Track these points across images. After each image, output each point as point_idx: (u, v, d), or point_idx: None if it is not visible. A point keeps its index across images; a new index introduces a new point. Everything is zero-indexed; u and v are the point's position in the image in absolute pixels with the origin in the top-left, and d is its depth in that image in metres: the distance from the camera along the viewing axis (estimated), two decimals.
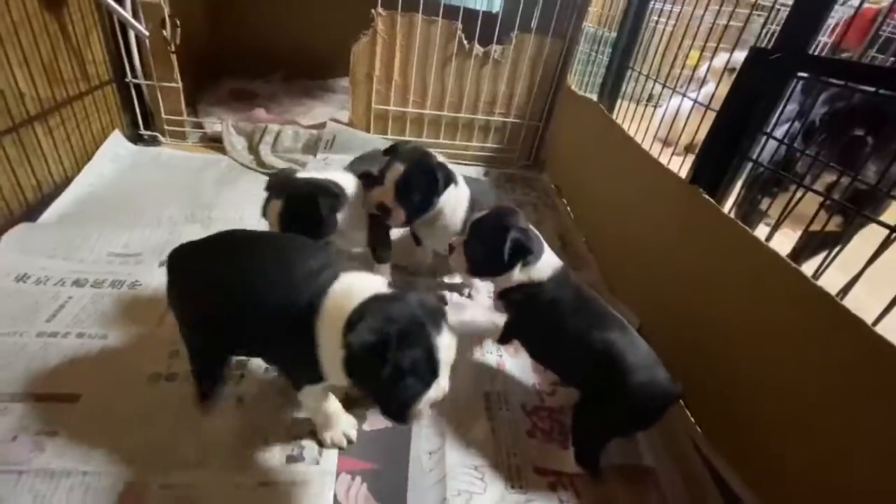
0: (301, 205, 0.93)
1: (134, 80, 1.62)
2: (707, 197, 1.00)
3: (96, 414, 0.80)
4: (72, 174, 1.40)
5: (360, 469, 0.80)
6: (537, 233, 0.93)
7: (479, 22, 1.78)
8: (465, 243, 0.91)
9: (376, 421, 0.87)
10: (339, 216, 1.01)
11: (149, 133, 1.73)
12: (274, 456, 0.79)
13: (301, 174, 1.04)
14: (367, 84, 1.84)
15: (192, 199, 1.46)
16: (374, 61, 1.79)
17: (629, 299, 1.28)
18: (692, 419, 0.97)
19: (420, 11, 1.72)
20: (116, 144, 1.59)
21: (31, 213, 1.23)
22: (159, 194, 1.45)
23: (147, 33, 1.47)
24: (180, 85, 1.67)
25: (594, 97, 1.76)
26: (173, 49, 1.58)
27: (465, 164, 2.07)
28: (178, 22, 1.56)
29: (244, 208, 1.45)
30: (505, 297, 0.92)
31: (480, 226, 0.90)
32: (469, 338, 1.11)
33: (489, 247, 0.86)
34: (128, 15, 1.40)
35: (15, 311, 0.97)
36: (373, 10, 1.69)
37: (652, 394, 0.77)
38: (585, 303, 0.88)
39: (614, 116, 1.59)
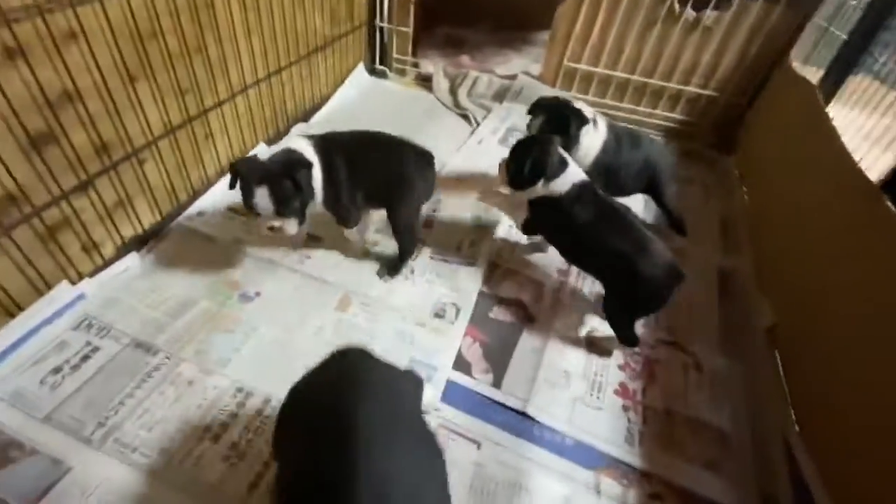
0: (282, 181, 0.93)
1: (381, 24, 2.06)
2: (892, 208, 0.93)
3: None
4: (330, 92, 1.91)
5: (479, 339, 1.09)
6: (565, 155, 1.09)
7: None
8: (506, 161, 1.14)
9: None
10: (315, 181, 1.01)
11: (380, 67, 2.19)
12: (427, 311, 1.13)
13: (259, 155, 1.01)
14: (564, 42, 1.96)
15: (401, 124, 1.85)
16: (576, 20, 1.89)
17: (776, 299, 1.25)
18: (794, 416, 1.00)
19: None
20: (359, 74, 2.08)
21: (307, 115, 1.77)
22: (380, 117, 1.89)
23: None
24: (411, 30, 2.05)
25: (817, 75, 1.57)
26: (413, 1, 1.94)
27: (644, 131, 2.06)
28: None
29: (439, 139, 1.79)
30: (530, 204, 1.13)
31: (515, 148, 1.12)
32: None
33: (517, 165, 1.08)
34: None
35: None
36: None
37: (658, 287, 0.99)
38: (607, 216, 1.04)
39: (843, 96, 1.42)
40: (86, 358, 0.93)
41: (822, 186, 1.27)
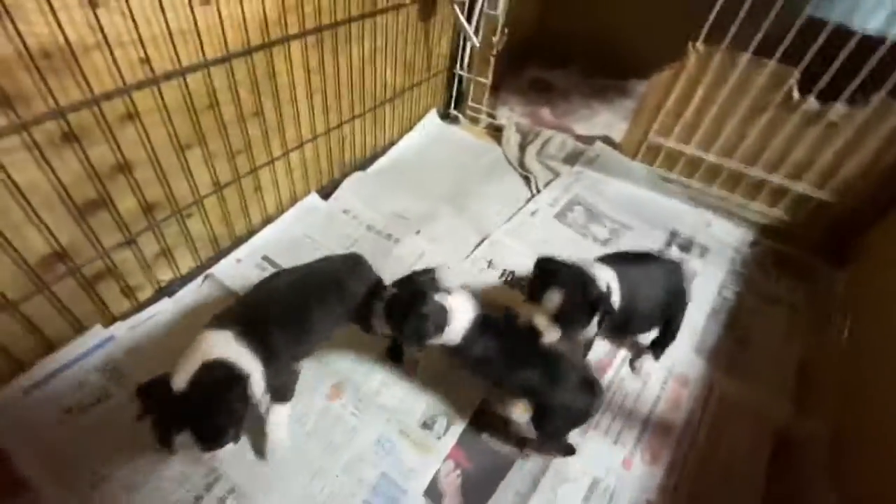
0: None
1: (459, 72, 2.01)
2: None
3: None
4: (396, 139, 1.92)
5: (463, 465, 1.01)
6: (449, 304, 0.92)
7: (833, 68, 1.42)
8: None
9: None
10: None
11: (454, 113, 2.15)
12: (415, 417, 1.08)
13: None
14: (653, 113, 1.76)
15: (458, 179, 1.81)
16: (670, 93, 1.68)
17: (850, 493, 1.01)
18: None
19: (750, 49, 1.49)
20: (431, 119, 2.06)
21: (365, 164, 1.79)
22: (439, 169, 1.85)
23: (478, 44, 1.79)
24: (489, 81, 1.98)
25: None
26: (494, 53, 1.87)
27: (732, 224, 1.79)
28: (506, 31, 1.83)
29: (488, 201, 1.71)
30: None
31: (394, 306, 0.94)
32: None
33: (396, 325, 0.94)
34: (470, 30, 1.73)
35: (334, 232, 1.51)
36: (690, 44, 1.56)
37: (576, 413, 0.97)
38: (510, 349, 0.96)
39: None
40: (97, 402, 1.02)
41: None
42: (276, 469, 0.95)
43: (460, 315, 0.94)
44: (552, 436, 1.01)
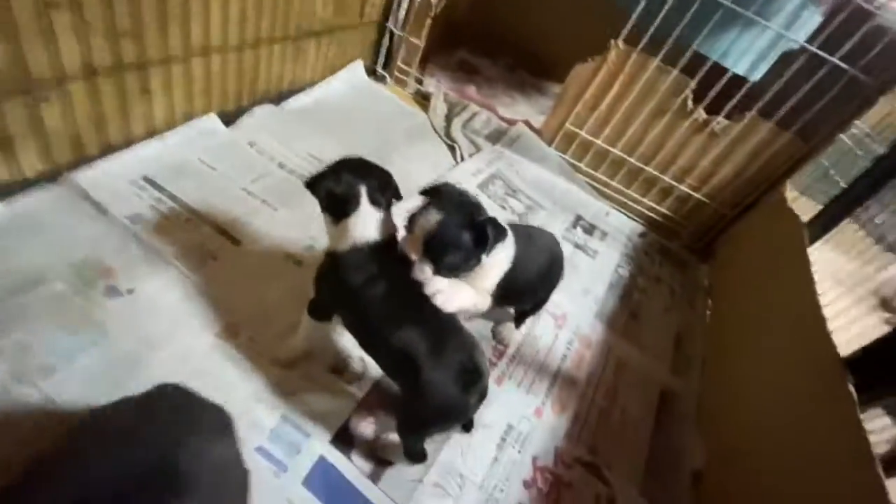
0: None
1: (392, 28, 1.92)
2: (852, 391, 0.83)
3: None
4: (317, 80, 1.75)
5: (379, 413, 0.92)
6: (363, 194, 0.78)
7: (718, 86, 1.64)
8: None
9: None
10: None
11: (381, 72, 2.05)
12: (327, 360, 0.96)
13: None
14: (572, 103, 1.87)
15: (383, 136, 1.71)
16: (589, 84, 1.80)
17: (711, 440, 1.14)
18: None
19: (660, 57, 1.67)
20: (354, 70, 1.93)
21: (280, 98, 1.60)
22: (363, 122, 1.74)
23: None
24: (422, 43, 1.92)
25: (807, 207, 1.52)
26: (431, 15, 1.82)
27: (626, 216, 1.98)
28: None
29: (413, 163, 1.65)
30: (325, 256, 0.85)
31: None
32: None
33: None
34: None
35: (235, 163, 1.31)
36: (612, 41, 1.69)
37: (450, 402, 0.75)
38: (398, 292, 0.78)
39: (829, 238, 1.37)
40: None
41: (787, 337, 1.18)
42: None
43: (367, 219, 0.78)
44: (412, 430, 0.80)
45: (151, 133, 1.20)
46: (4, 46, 0.81)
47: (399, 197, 0.86)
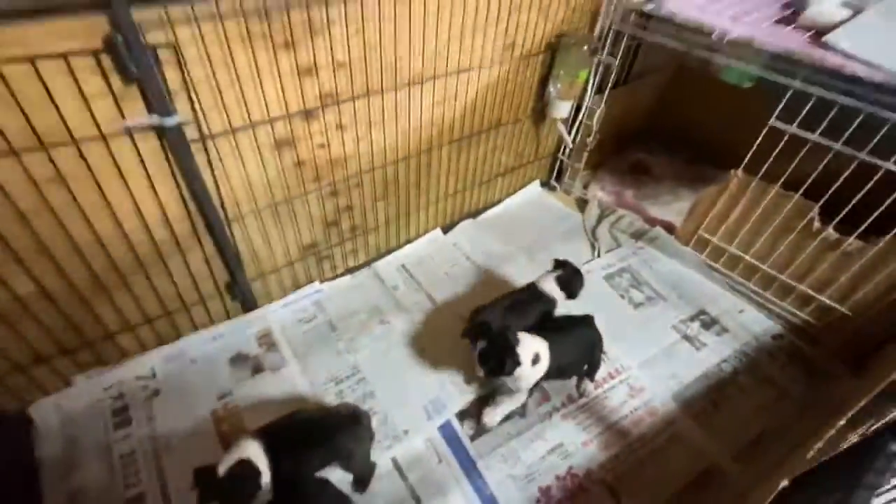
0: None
1: (561, 157, 2.71)
2: None
3: None
4: (503, 198, 2.69)
5: None
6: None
7: (845, 211, 1.76)
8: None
9: None
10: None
11: (553, 183, 2.84)
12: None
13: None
14: (702, 216, 2.21)
15: (540, 237, 2.48)
16: (715, 204, 2.13)
17: None
18: None
19: (780, 184, 1.90)
20: (533, 187, 2.77)
21: (477, 214, 2.60)
22: (529, 225, 2.53)
23: (572, 146, 2.48)
24: (582, 166, 2.63)
25: None
26: (587, 150, 2.53)
27: (765, 316, 2.13)
28: (598, 136, 2.47)
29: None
30: None
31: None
32: None
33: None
34: (568, 138, 2.44)
35: (445, 256, 2.33)
36: (732, 171, 2.02)
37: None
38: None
39: None
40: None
41: None
42: None
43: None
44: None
45: (407, 242, 2.35)
46: (365, 216, 2.04)
47: None
